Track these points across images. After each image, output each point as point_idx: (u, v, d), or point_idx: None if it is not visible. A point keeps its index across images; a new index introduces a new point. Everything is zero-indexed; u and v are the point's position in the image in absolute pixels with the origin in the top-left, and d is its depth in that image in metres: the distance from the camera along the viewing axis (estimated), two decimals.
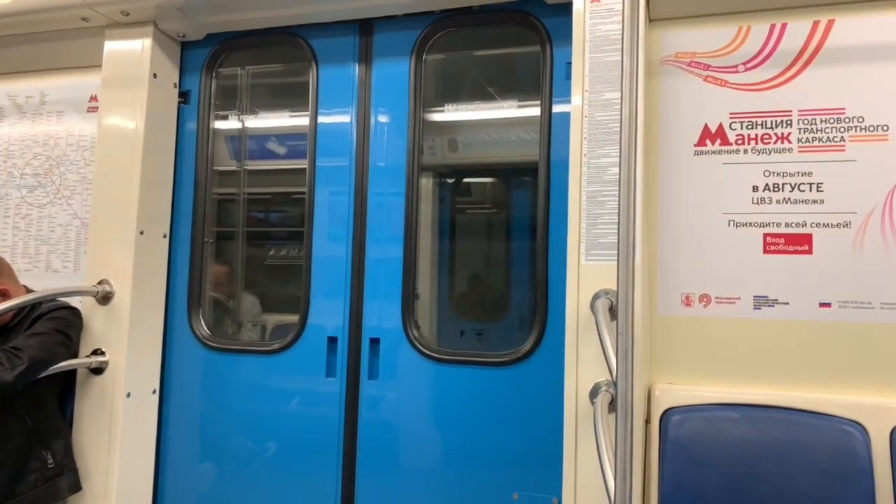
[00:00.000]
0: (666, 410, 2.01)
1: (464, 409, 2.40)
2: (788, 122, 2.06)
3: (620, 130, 1.63)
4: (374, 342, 2.50)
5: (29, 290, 2.51)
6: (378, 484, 2.46)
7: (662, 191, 2.13)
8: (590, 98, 2.04)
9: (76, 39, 2.74)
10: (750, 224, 2.06)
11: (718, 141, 2.11)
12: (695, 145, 2.12)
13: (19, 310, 2.43)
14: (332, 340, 2.54)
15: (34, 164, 2.88)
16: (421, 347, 2.45)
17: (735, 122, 2.10)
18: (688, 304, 2.10)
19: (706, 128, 2.12)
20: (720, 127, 2.11)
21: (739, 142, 2.09)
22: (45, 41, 2.80)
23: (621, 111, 1.64)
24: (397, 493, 2.44)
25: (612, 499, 1.52)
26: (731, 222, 2.08)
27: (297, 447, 2.56)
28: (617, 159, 1.70)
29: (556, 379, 2.08)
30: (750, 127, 2.09)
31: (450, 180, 3.87)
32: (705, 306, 2.08)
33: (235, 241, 3.38)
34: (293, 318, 2.65)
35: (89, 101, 2.82)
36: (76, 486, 2.43)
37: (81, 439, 2.48)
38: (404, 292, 2.49)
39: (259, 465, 2.61)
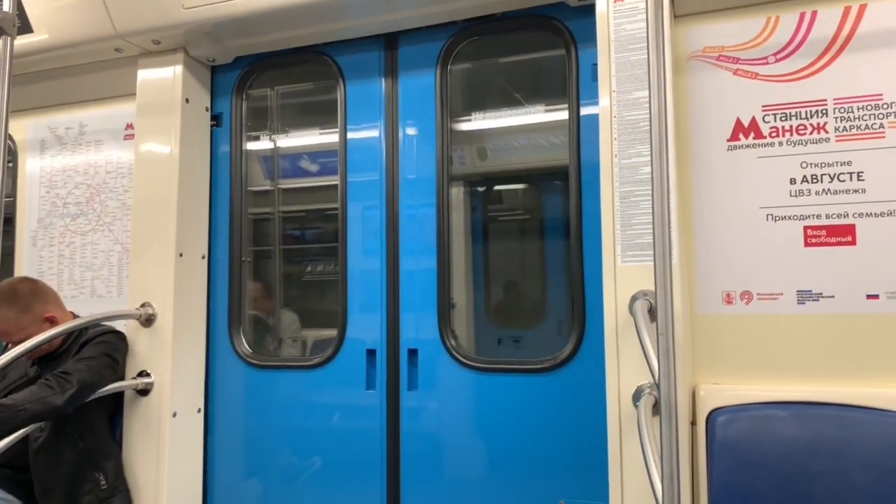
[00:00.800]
0: (712, 411, 1.97)
1: (505, 417, 2.38)
2: (824, 111, 2.01)
3: (650, 128, 1.61)
4: (412, 353, 2.51)
5: (76, 316, 2.57)
6: (423, 495, 2.46)
7: (696, 188, 2.09)
8: (618, 98, 2.02)
9: (111, 70, 2.82)
10: (789, 217, 2.01)
11: (752, 135, 2.07)
12: (727, 140, 2.09)
13: (67, 335, 2.50)
14: (371, 353, 2.55)
15: (76, 192, 2.97)
16: (459, 357, 2.45)
17: (768, 115, 2.06)
18: (729, 302, 2.06)
19: (738, 122, 2.08)
20: (753, 120, 2.07)
21: (774, 134, 2.05)
22: (82, 73, 2.88)
23: (650, 109, 1.61)
24: (443, 500, 2.43)
25: (661, 502, 1.50)
26: (770, 216, 2.03)
27: (341, 460, 2.57)
28: (648, 158, 1.68)
29: (598, 383, 2.06)
30: (784, 119, 2.05)
31: (481, 188, 3.87)
32: (747, 303, 2.04)
33: (273, 260, 3.42)
34: (332, 333, 2.67)
35: (125, 129, 2.90)
36: None
37: (131, 459, 2.53)
38: (440, 302, 2.49)
39: (305, 479, 2.63)
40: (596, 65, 2.11)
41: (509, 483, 2.36)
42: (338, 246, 2.66)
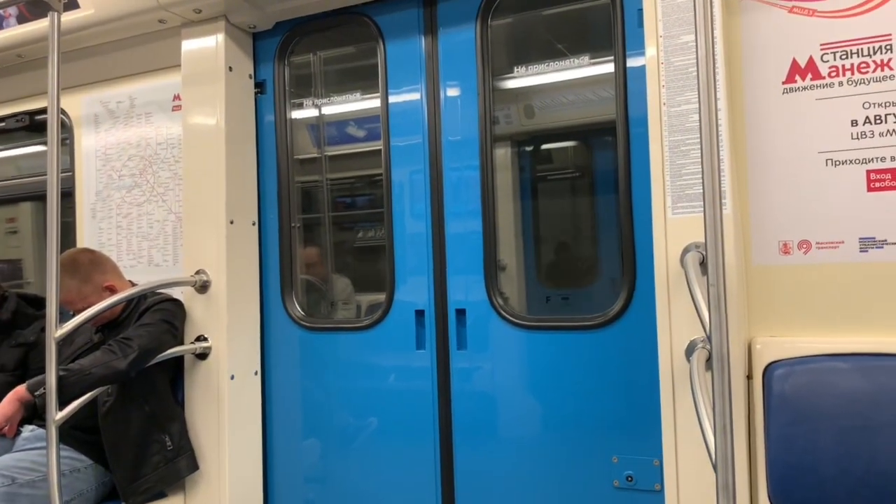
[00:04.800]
0: (769, 364, 1.91)
1: (556, 375, 2.37)
2: (888, 47, 1.89)
3: (698, 73, 1.55)
4: (461, 313, 2.51)
5: (133, 285, 2.66)
6: (475, 453, 2.48)
7: (750, 134, 2.00)
8: (665, 43, 1.94)
9: (156, 42, 2.85)
10: (850, 161, 1.91)
11: (809, 76, 1.96)
12: (783, 83, 1.98)
13: (127, 304, 2.59)
14: (420, 314, 2.57)
15: (130, 165, 3.04)
16: (507, 315, 2.44)
17: (827, 54, 1.94)
18: (786, 252, 1.98)
19: (794, 63, 1.97)
20: (810, 60, 1.96)
21: (833, 74, 1.94)
22: (129, 47, 2.93)
23: (697, 53, 1.55)
24: (495, 461, 2.45)
25: (713, 456, 1.47)
26: (829, 161, 1.93)
27: (394, 420, 2.62)
28: (698, 106, 1.62)
29: (649, 339, 2.03)
30: (844, 57, 1.93)
31: (528, 147, 3.81)
32: (805, 253, 1.96)
33: (323, 227, 3.45)
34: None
35: (173, 101, 2.94)
36: (194, 466, 2.57)
37: (194, 421, 2.62)
38: (486, 264, 2.48)
39: (360, 440, 2.68)
40: (641, 10, 2.04)
41: (561, 440, 2.36)
42: (384, 211, 2.66)
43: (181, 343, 2.60)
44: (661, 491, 1.98)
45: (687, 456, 1.90)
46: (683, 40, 1.95)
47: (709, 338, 1.52)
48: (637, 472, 2.23)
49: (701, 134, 1.53)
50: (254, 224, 2.81)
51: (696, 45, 1.55)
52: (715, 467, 1.44)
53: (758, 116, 2.00)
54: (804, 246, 1.96)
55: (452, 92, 2.58)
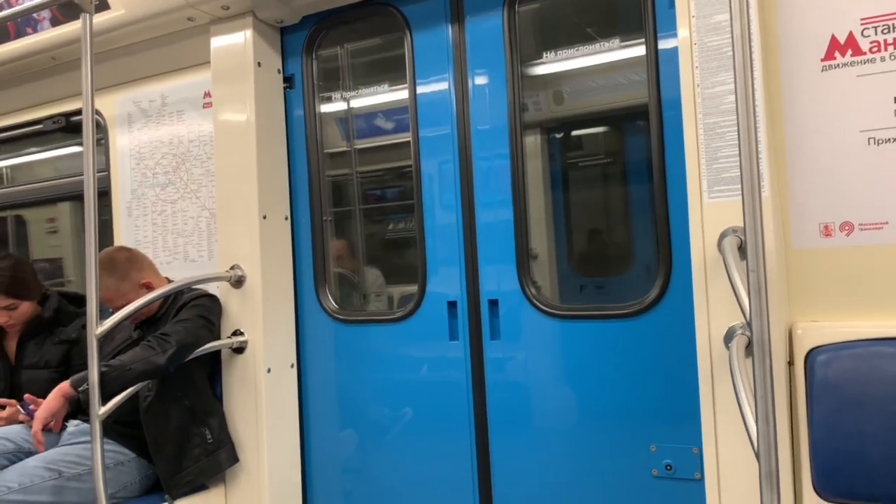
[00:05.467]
0: (811, 350, 1.87)
1: (591, 364, 2.35)
2: None
3: (734, 53, 1.51)
4: (493, 303, 2.50)
5: (170, 281, 2.70)
6: (511, 443, 2.48)
7: (788, 114, 1.95)
8: (697, 23, 1.90)
9: (185, 40, 2.88)
10: (894, 140, 1.85)
11: (849, 52, 1.90)
12: (821, 60, 1.92)
13: (164, 300, 2.63)
14: (452, 305, 2.56)
15: (163, 163, 3.08)
16: (540, 305, 2.42)
17: (867, 28, 1.88)
18: (827, 235, 1.92)
19: (833, 39, 1.91)
20: (850, 36, 1.90)
21: (875, 49, 1.87)
22: (159, 46, 2.96)
23: (732, 33, 1.51)
24: (531, 451, 2.44)
25: (755, 444, 1.45)
26: (872, 140, 1.87)
27: (430, 411, 2.62)
28: (733, 86, 1.58)
29: (687, 326, 2.00)
30: (886, 31, 1.86)
31: (558, 134, 3.77)
32: (847, 235, 1.90)
33: (353, 220, 3.47)
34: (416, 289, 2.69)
35: (204, 98, 2.97)
36: (234, 458, 2.62)
37: (232, 414, 2.66)
38: (518, 253, 2.46)
39: (396, 430, 2.69)
40: None
41: (598, 430, 2.34)
42: (414, 203, 2.66)
43: (218, 338, 2.63)
44: (702, 479, 1.95)
45: (727, 444, 1.88)
46: (716, 20, 1.90)
47: (748, 324, 1.49)
48: (676, 460, 2.20)
49: (738, 115, 1.50)
50: (286, 218, 2.83)
51: (731, 25, 1.51)
52: (757, 455, 1.41)
53: (795, 96, 1.94)
54: (846, 228, 1.90)
55: (480, 80, 2.56)
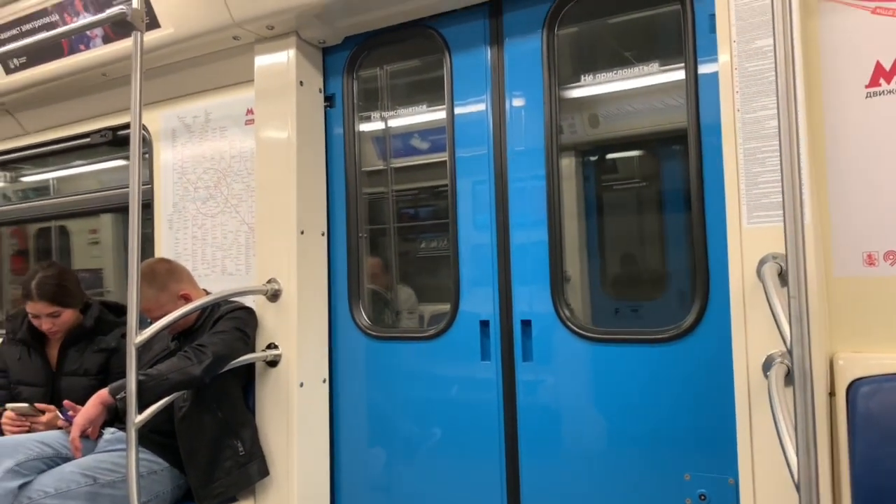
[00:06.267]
0: (853, 381, 1.82)
1: (625, 389, 2.32)
2: None
3: (776, 78, 1.51)
4: (526, 324, 2.49)
5: (208, 293, 2.74)
6: (542, 465, 2.45)
7: (830, 141, 1.92)
8: (738, 48, 1.90)
9: (230, 58, 2.95)
10: None
11: (895, 79, 1.88)
12: (866, 87, 1.90)
13: (202, 312, 2.67)
14: (485, 324, 2.56)
15: (205, 178, 3.15)
16: (574, 327, 2.41)
17: None
18: (871, 264, 1.89)
19: (878, 66, 1.89)
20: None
21: None
22: (205, 63, 3.05)
23: (775, 56, 1.51)
24: (562, 474, 2.42)
25: (796, 475, 1.42)
26: None
27: (460, 430, 2.61)
28: (774, 111, 1.57)
29: (723, 353, 1.97)
30: None
31: (593, 157, 3.77)
32: (892, 264, 1.86)
33: (388, 238, 3.50)
34: (447, 308, 2.70)
35: (246, 115, 3.04)
36: (265, 471, 2.63)
37: (264, 427, 2.67)
38: (552, 275, 2.45)
39: (426, 449, 2.68)
40: (713, 15, 2.00)
41: (631, 456, 2.31)
42: (449, 222, 2.67)
43: (253, 350, 2.66)
44: None
45: (764, 475, 1.83)
46: (758, 45, 1.89)
47: (789, 351, 1.47)
48: (711, 490, 2.16)
49: (780, 140, 1.49)
50: (323, 234, 2.86)
51: (775, 50, 1.51)
52: (798, 487, 1.39)
53: (838, 122, 1.92)
54: (891, 257, 1.87)
55: (518, 102, 2.57)
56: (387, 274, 3.49)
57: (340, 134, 2.91)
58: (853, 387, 1.82)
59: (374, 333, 2.81)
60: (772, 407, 1.62)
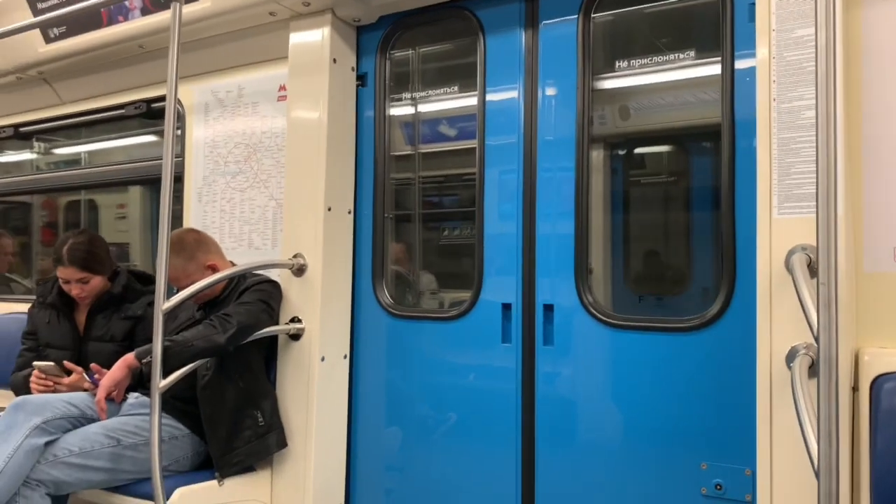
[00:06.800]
0: (877, 377, 1.82)
1: (645, 376, 2.32)
2: None
3: (816, 68, 1.49)
4: (548, 308, 2.49)
5: (234, 266, 2.78)
6: (558, 450, 2.46)
7: (867, 133, 1.90)
8: (777, 37, 1.88)
9: (265, 34, 2.98)
10: None
11: None
12: None
13: (227, 283, 2.71)
14: (507, 307, 2.56)
15: (235, 152, 3.18)
16: (596, 313, 2.40)
17: None
18: None
19: None
20: None
21: None
22: (240, 39, 3.07)
23: (816, 46, 1.49)
24: (579, 458, 2.42)
25: (817, 466, 1.41)
26: None
27: (479, 411, 2.61)
28: (811, 102, 1.56)
29: (746, 344, 1.97)
30: None
31: (622, 151, 3.74)
32: None
33: (413, 224, 3.50)
34: (468, 295, 2.70)
35: (279, 91, 3.06)
36: (283, 443, 2.66)
37: (284, 399, 2.71)
38: (577, 266, 2.44)
39: (442, 431, 2.70)
40: (753, 4, 1.98)
41: (648, 444, 2.31)
42: (475, 210, 2.67)
43: (276, 323, 2.69)
44: (752, 502, 1.91)
45: (782, 466, 1.83)
46: (798, 34, 1.88)
47: (816, 339, 1.46)
48: (727, 480, 2.15)
49: (817, 131, 1.47)
50: (349, 213, 2.88)
51: (816, 40, 1.49)
52: (817, 474, 1.38)
53: (876, 114, 1.90)
54: None
55: (550, 90, 2.56)
56: (410, 260, 3.51)
57: (371, 113, 2.93)
58: (877, 382, 1.81)
59: (396, 312, 2.82)
60: (794, 396, 1.62)
